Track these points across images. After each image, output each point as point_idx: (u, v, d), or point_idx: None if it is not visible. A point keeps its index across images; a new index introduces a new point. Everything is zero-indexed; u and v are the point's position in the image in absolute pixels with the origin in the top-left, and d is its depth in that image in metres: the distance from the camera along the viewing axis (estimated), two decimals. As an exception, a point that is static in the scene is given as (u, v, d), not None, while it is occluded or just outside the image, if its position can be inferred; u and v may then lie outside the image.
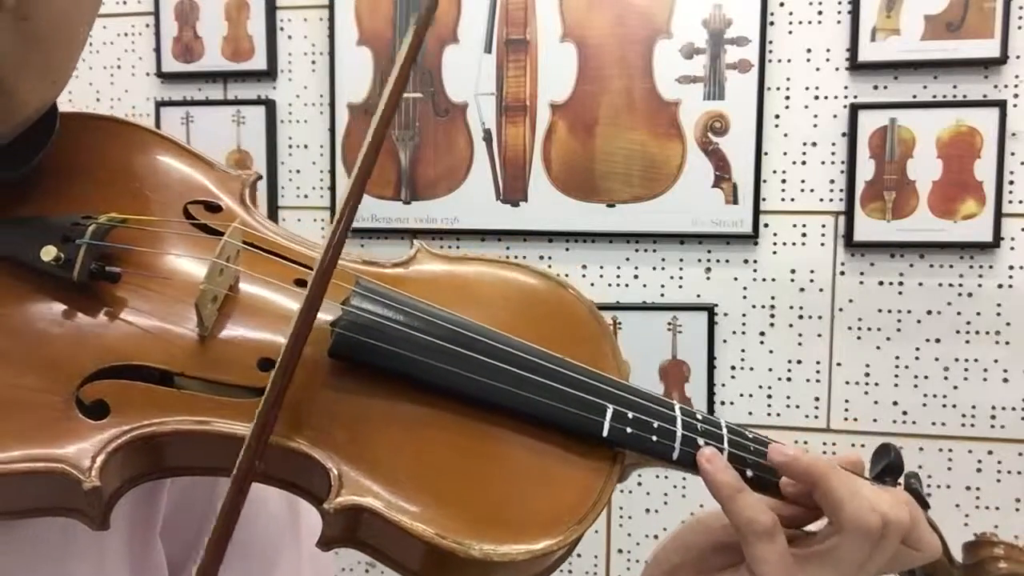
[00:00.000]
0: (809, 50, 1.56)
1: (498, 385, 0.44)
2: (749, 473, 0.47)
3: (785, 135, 1.57)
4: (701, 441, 0.46)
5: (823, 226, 1.57)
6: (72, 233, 0.43)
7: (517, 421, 0.44)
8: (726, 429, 0.48)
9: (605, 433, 0.45)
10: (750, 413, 1.60)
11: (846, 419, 1.58)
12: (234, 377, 0.42)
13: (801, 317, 1.58)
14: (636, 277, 1.63)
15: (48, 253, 0.42)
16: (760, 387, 1.60)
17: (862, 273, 1.56)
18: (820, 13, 1.55)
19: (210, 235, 0.48)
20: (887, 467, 0.53)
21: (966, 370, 1.54)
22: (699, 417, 0.48)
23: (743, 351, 1.61)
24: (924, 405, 1.55)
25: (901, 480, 0.53)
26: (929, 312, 1.54)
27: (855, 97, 1.54)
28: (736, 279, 1.60)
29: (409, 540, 0.39)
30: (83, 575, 0.47)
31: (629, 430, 0.45)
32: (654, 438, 0.45)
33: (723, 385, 1.62)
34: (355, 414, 0.43)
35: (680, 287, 1.62)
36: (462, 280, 0.51)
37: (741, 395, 1.61)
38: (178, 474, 0.44)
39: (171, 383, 0.42)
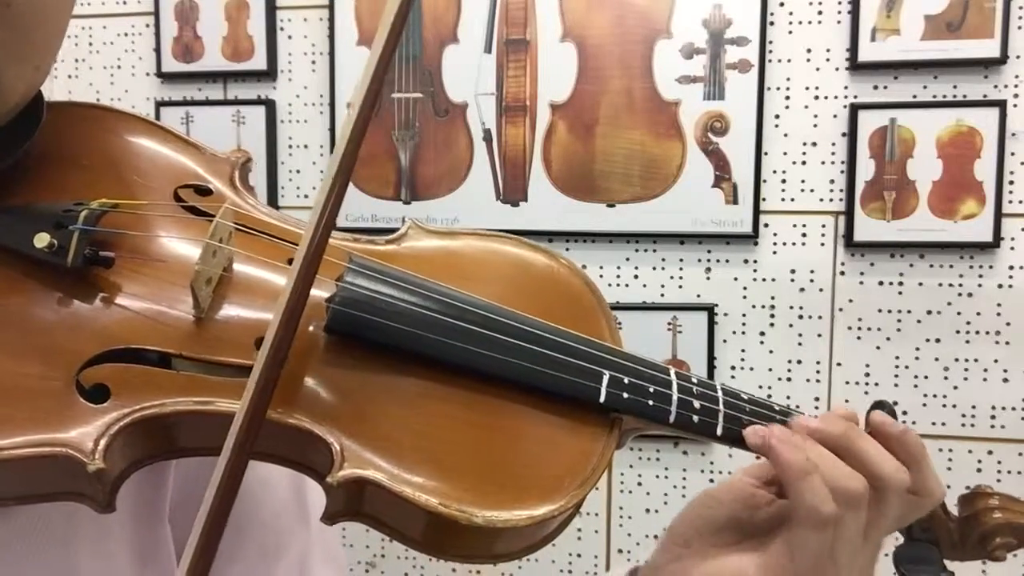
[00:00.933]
0: (809, 50, 1.56)
1: (494, 355, 0.44)
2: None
3: (785, 135, 1.57)
4: (697, 404, 0.47)
5: (823, 226, 1.57)
6: (64, 219, 0.43)
7: (515, 390, 0.45)
8: (721, 391, 0.48)
9: (602, 399, 0.45)
10: (750, 413, 1.60)
11: (846, 419, 1.58)
12: (232, 357, 0.42)
13: (801, 317, 1.58)
14: (636, 277, 1.63)
15: (41, 240, 0.42)
16: (760, 387, 1.60)
17: (862, 273, 1.56)
18: (820, 13, 1.55)
19: (201, 218, 0.48)
20: None
21: (966, 370, 1.54)
22: (694, 380, 0.48)
23: (743, 351, 1.61)
24: (924, 405, 1.55)
25: None
26: (929, 312, 1.54)
27: (855, 97, 1.54)
28: (736, 279, 1.60)
29: (413, 510, 0.40)
30: (88, 559, 0.48)
31: (626, 395, 0.46)
32: (650, 402, 0.46)
33: (723, 385, 1.61)
34: (354, 388, 0.43)
35: (680, 287, 1.62)
36: (455, 254, 0.52)
37: (741, 395, 1.61)
38: (181, 455, 0.45)
39: (170, 365, 0.42)
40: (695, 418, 0.47)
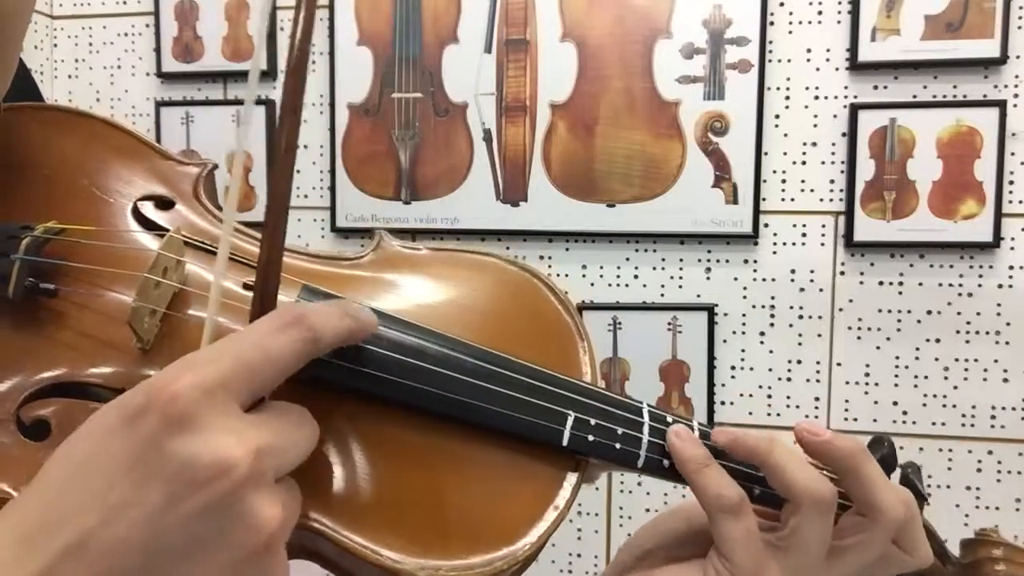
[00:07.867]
0: (809, 50, 1.56)
1: (450, 396, 0.42)
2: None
3: (785, 135, 1.57)
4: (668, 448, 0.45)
5: (823, 226, 1.57)
6: (7, 247, 0.41)
7: (471, 432, 0.42)
8: (698, 432, 0.46)
9: (565, 442, 0.43)
10: (750, 413, 1.60)
11: (846, 419, 1.58)
12: None
13: (801, 317, 1.58)
14: (636, 277, 1.63)
15: None
16: (760, 387, 1.60)
17: (862, 273, 1.56)
18: (820, 13, 1.55)
19: (159, 237, 0.46)
20: (880, 461, 0.52)
21: (966, 370, 1.54)
22: (669, 420, 0.46)
23: (743, 351, 1.61)
24: (924, 405, 1.55)
25: (897, 473, 0.52)
26: (929, 312, 1.54)
27: (855, 97, 1.54)
28: (736, 279, 1.60)
29: (356, 560, 0.39)
30: None
31: (591, 438, 0.43)
32: (618, 445, 0.44)
33: (723, 385, 1.61)
34: None
35: (680, 287, 1.62)
36: (423, 278, 0.49)
37: (741, 395, 1.61)
38: None
39: None
40: (666, 463, 0.45)
